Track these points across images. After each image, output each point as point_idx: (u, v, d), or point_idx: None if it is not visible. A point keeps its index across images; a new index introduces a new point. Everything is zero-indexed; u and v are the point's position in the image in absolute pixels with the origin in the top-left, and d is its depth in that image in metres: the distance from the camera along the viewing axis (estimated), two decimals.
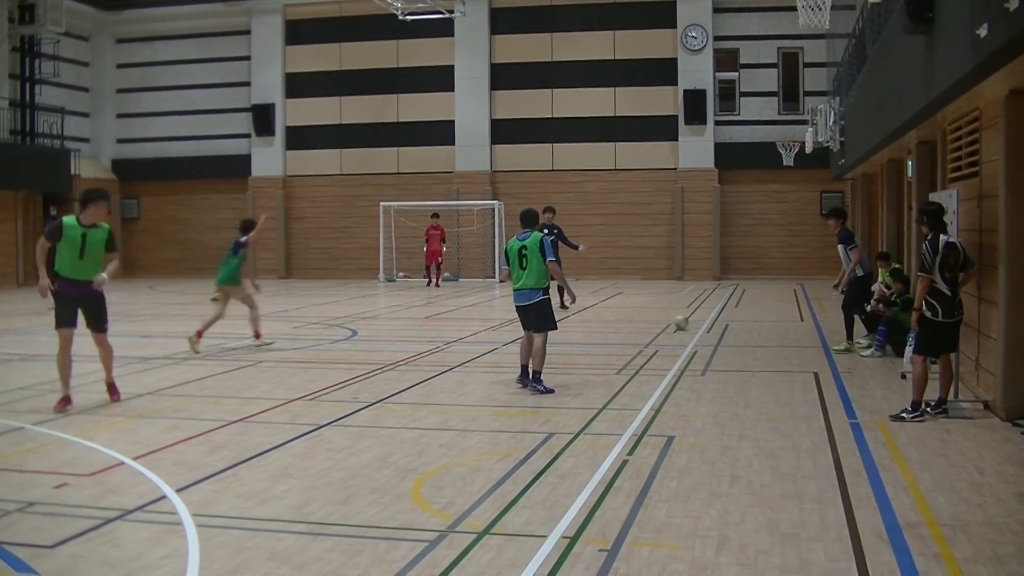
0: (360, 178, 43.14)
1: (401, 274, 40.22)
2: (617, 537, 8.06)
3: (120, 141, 46.98)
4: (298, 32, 44.22)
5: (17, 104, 41.86)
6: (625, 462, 10.44)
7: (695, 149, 40.27)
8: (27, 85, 42.33)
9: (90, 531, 8.35)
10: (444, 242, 38.06)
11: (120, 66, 47.09)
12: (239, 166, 44.63)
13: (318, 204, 43.56)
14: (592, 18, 41.15)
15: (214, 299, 21.40)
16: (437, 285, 36.94)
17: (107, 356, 14.43)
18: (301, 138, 44.18)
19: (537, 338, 15.12)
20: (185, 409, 13.76)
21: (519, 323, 15.69)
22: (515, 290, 15.27)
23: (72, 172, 42.24)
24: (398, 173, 42.71)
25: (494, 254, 39.19)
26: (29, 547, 7.95)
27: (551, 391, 14.72)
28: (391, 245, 40.61)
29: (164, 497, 9.31)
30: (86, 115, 46.33)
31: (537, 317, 15.14)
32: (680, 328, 22.52)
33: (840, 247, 19.51)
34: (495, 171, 41.82)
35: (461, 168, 41.94)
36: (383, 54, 42.97)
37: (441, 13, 38.79)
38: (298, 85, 44.17)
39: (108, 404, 14.10)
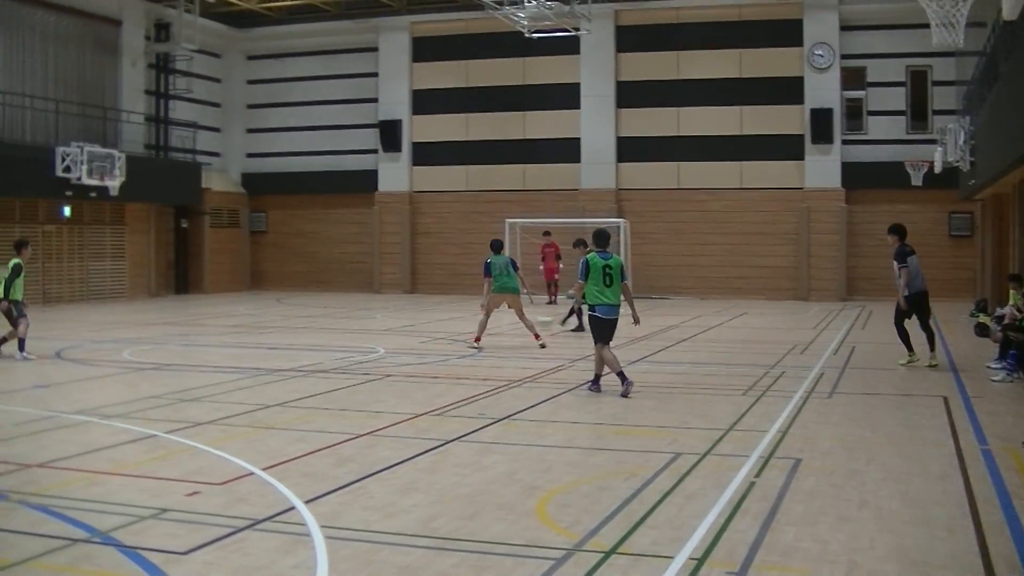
0: (485, 194, 43.28)
1: (525, 291, 40.13)
2: (744, 560, 7.96)
3: (249, 155, 47.72)
4: (425, 49, 44.56)
5: (152, 119, 42.74)
6: (752, 484, 10.34)
7: (821, 169, 39.83)
8: (162, 101, 43.22)
9: (221, 539, 8.46)
10: (559, 259, 37.89)
11: (250, 82, 47.86)
12: (366, 181, 45.02)
13: (443, 220, 43.77)
14: (717, 36, 40.89)
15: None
16: (554, 302, 36.75)
17: None
18: (427, 154, 44.46)
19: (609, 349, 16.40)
20: (312, 421, 13.90)
21: (608, 339, 16.42)
22: (606, 304, 16.25)
23: (203, 186, 43.01)
24: (523, 190, 42.77)
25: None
26: (162, 552, 8.08)
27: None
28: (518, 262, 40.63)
29: (293, 508, 9.40)
30: (217, 130, 47.12)
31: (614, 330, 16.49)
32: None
33: (894, 263, 19.82)
34: (620, 189, 41.72)
35: (586, 186, 41.92)
36: (509, 71, 43.13)
37: (567, 31, 38.79)
38: (424, 102, 44.49)
39: (234, 416, 14.24)
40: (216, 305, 36.97)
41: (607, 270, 16.18)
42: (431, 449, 11.97)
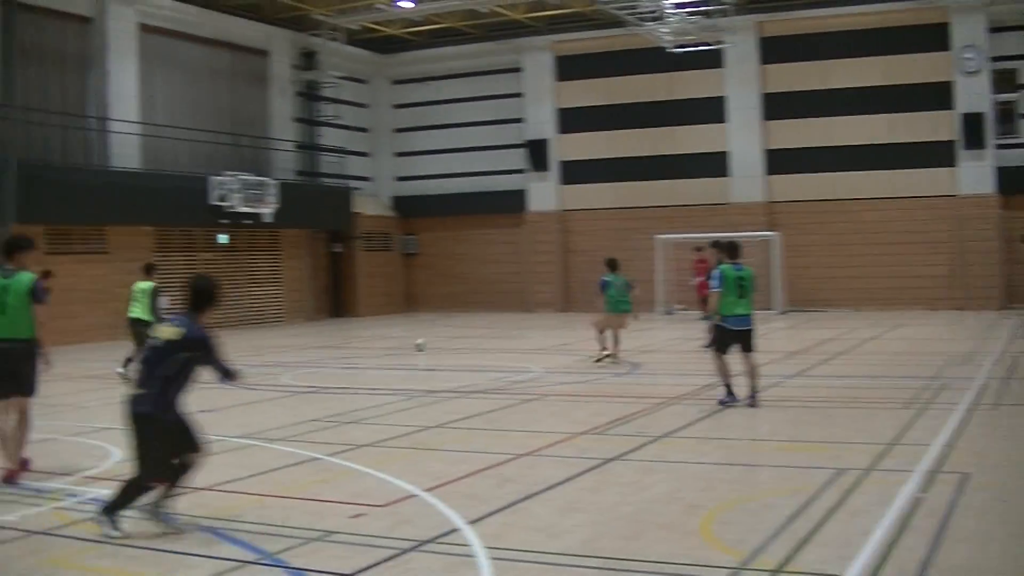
0: (634, 211, 43.14)
1: (679, 306, 40.04)
2: None
3: (399, 179, 48.24)
4: (568, 67, 44.61)
5: (303, 146, 43.51)
6: (919, 500, 10.15)
7: (975, 174, 38.91)
8: (311, 128, 43.96)
9: (386, 561, 8.55)
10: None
11: (396, 106, 48.42)
12: (515, 201, 45.21)
13: (593, 237, 43.64)
14: (863, 44, 40.22)
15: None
16: (707, 318, 36.43)
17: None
18: (575, 172, 44.48)
19: (753, 359, 16.68)
20: (472, 442, 14.01)
21: (727, 351, 16.78)
22: (738, 315, 16.52)
23: (354, 210, 43.61)
24: (672, 206, 42.55)
25: (769, 287, 38.75)
26: (329, 574, 8.22)
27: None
28: (668, 278, 40.47)
29: (456, 529, 9.46)
30: (366, 154, 47.73)
31: (752, 339, 16.68)
32: (420, 350, 22.97)
33: None
34: (771, 201, 41.31)
35: (736, 199, 41.58)
36: (653, 87, 42.96)
37: (710, 45, 38.62)
38: (570, 120, 44.54)
39: (394, 437, 14.37)
40: (371, 328, 37.43)
41: (740, 281, 16.52)
42: (592, 468, 11.96)
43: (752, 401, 16.41)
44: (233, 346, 29.44)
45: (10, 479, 12.04)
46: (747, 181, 41.48)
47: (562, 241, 44.37)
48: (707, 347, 17.64)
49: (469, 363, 23.87)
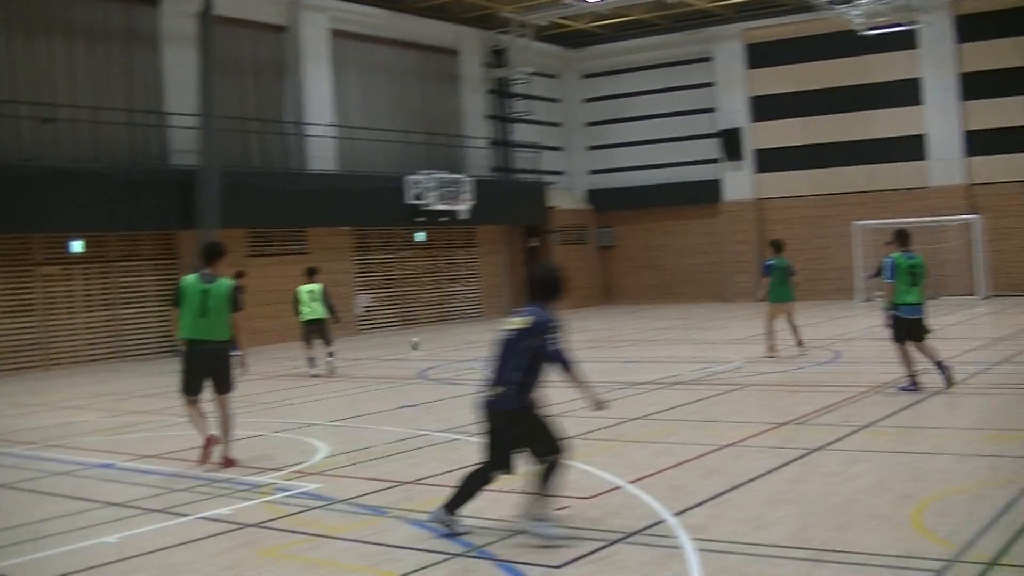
0: (831, 198, 42.48)
1: (879, 294, 39.12)
2: None
3: (592, 172, 48.31)
4: (760, 55, 44.09)
5: (495, 143, 43.88)
6: None
7: None
8: (503, 124, 44.30)
9: (594, 552, 8.58)
10: None
11: (587, 100, 48.49)
12: (709, 191, 44.91)
13: (790, 225, 43.06)
14: None
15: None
16: None
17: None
18: (769, 160, 43.98)
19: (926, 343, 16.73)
20: (676, 433, 13.96)
21: (907, 339, 16.64)
22: (911, 304, 16.54)
23: (549, 204, 43.78)
24: (869, 191, 41.75)
25: (971, 271, 37.79)
26: (537, 566, 8.28)
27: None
28: (866, 265, 39.71)
29: (662, 521, 9.45)
30: (559, 149, 47.91)
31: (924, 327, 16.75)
32: (414, 348, 23.69)
33: None
34: (972, 184, 40.21)
35: (935, 183, 40.58)
36: (846, 71, 42.15)
37: (903, 25, 37.78)
38: (763, 108, 44.03)
39: (598, 429, 14.40)
40: (569, 321, 37.46)
41: (913, 269, 16.51)
42: (797, 459, 11.83)
43: (943, 374, 16.49)
44: (432, 342, 29.97)
45: (214, 442, 13.20)
46: (946, 164, 40.41)
47: (758, 230, 43.86)
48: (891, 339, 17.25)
49: (668, 354, 23.79)
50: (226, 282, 13.31)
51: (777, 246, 23.26)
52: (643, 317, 37.56)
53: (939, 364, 16.50)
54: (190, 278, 13.37)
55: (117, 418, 14.41)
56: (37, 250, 28.52)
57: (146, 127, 31.87)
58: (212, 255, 13.54)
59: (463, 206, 37.75)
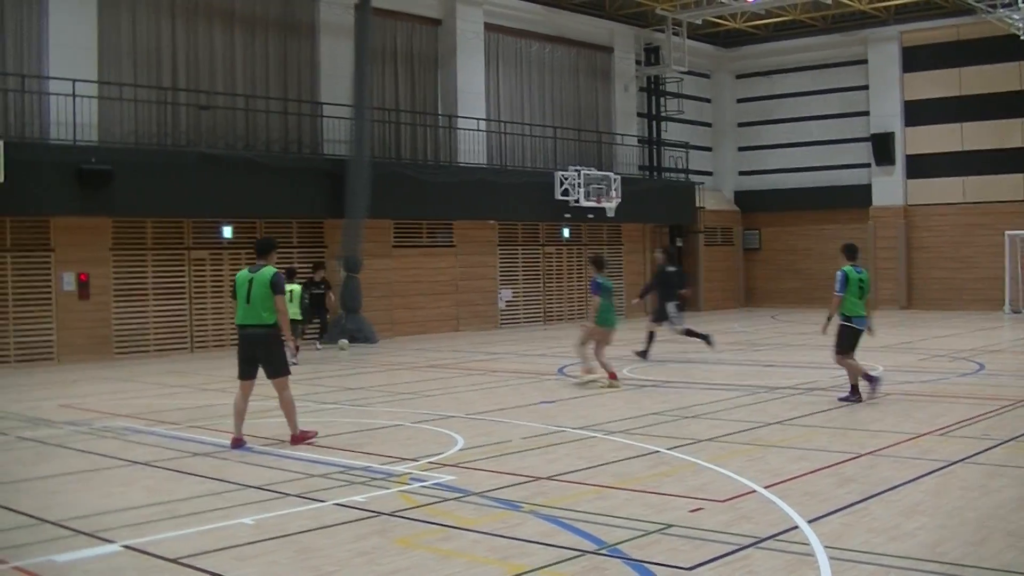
0: (982, 206, 41.63)
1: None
2: None
3: (741, 173, 48.05)
4: (915, 58, 43.32)
5: (645, 141, 43.83)
6: None
7: None
8: (654, 123, 44.24)
9: (725, 556, 8.57)
10: None
11: (739, 100, 48.24)
12: (858, 196, 44.30)
13: (939, 233, 42.44)
14: None
15: None
16: None
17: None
18: (921, 166, 43.23)
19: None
20: (812, 440, 13.87)
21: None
22: (860, 316, 17.27)
23: (696, 204, 43.59)
24: (1023, 200, 40.83)
25: None
26: (669, 567, 8.28)
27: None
28: (1017, 275, 38.94)
29: (796, 527, 9.39)
30: (708, 149, 47.74)
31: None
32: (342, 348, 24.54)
33: None
34: None
35: None
36: (1004, 76, 41.14)
37: None
38: (917, 112, 43.26)
39: (734, 433, 14.38)
40: (712, 323, 37.28)
41: (861, 283, 17.28)
42: (935, 470, 11.66)
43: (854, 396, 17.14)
44: (574, 338, 30.06)
45: (237, 445, 13.88)
46: None
47: (906, 236, 43.20)
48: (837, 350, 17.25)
49: (809, 359, 23.55)
50: (269, 269, 13.95)
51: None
52: (785, 321, 37.24)
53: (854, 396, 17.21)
54: (243, 271, 14.18)
55: (257, 402, 14.68)
56: (188, 234, 29.16)
57: (300, 116, 32.42)
58: (262, 249, 14.51)
59: (611, 203, 37.79)
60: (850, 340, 17.26)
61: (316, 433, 14.21)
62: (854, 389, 17.14)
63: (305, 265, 29.53)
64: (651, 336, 24.50)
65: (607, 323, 20.32)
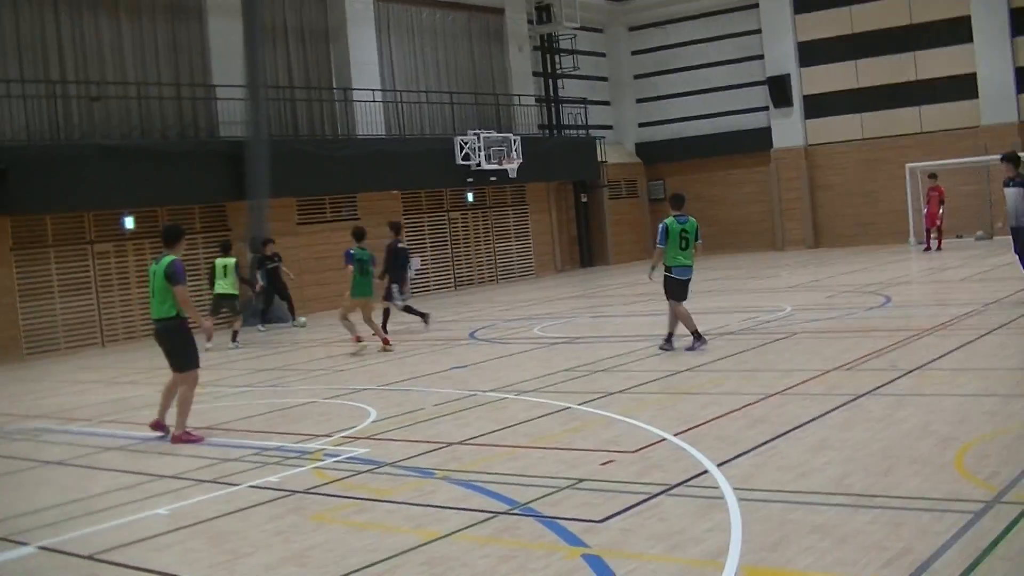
0: (881, 141, 42.05)
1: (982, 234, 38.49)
2: None
3: (642, 125, 48.18)
4: (806, 0, 43.63)
5: (543, 100, 43.80)
6: None
7: None
8: (550, 81, 44.21)
9: (636, 506, 8.64)
10: (943, 204, 35.97)
11: (635, 53, 48.35)
12: (759, 140, 44.61)
13: (841, 171, 42.84)
14: None
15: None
16: (939, 248, 35.12)
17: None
18: (819, 106, 43.59)
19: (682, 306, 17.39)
20: (723, 384, 14.00)
21: (683, 298, 17.51)
22: (682, 266, 17.28)
23: (599, 159, 43.66)
24: (920, 133, 41.30)
25: None
26: (580, 521, 8.33)
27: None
28: (920, 207, 39.37)
29: (705, 472, 9.49)
30: (607, 104, 47.80)
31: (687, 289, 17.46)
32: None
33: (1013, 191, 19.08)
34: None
35: (987, 122, 40.05)
36: (894, 12, 41.46)
37: None
38: (811, 53, 43.55)
39: (645, 383, 14.47)
40: (621, 276, 37.51)
41: (683, 234, 17.23)
42: (842, 405, 11.82)
43: (667, 345, 17.52)
44: (484, 302, 30.10)
45: (156, 428, 13.84)
46: (997, 103, 39.83)
47: (809, 177, 43.59)
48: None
49: (719, 305, 23.73)
50: (166, 259, 13.43)
51: (358, 235, 21.88)
52: (696, 268, 37.36)
53: (670, 336, 17.57)
54: (152, 264, 13.75)
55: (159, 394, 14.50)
56: (90, 228, 28.76)
57: (194, 100, 32.06)
58: (166, 237, 13.93)
59: (512, 165, 37.78)
60: (675, 290, 17.37)
61: (202, 440, 13.38)
62: (696, 334, 17.27)
63: (212, 250, 29.20)
64: (387, 313, 23.82)
65: (359, 294, 21.12)
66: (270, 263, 27.97)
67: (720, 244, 44.09)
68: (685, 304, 17.53)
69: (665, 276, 17.41)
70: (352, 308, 21.50)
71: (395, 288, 23.50)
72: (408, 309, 24.31)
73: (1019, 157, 19.72)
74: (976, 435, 10.01)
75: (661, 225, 17.42)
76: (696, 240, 17.50)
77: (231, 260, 25.14)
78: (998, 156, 34.69)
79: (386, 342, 21.07)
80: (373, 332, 21.39)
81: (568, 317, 24.46)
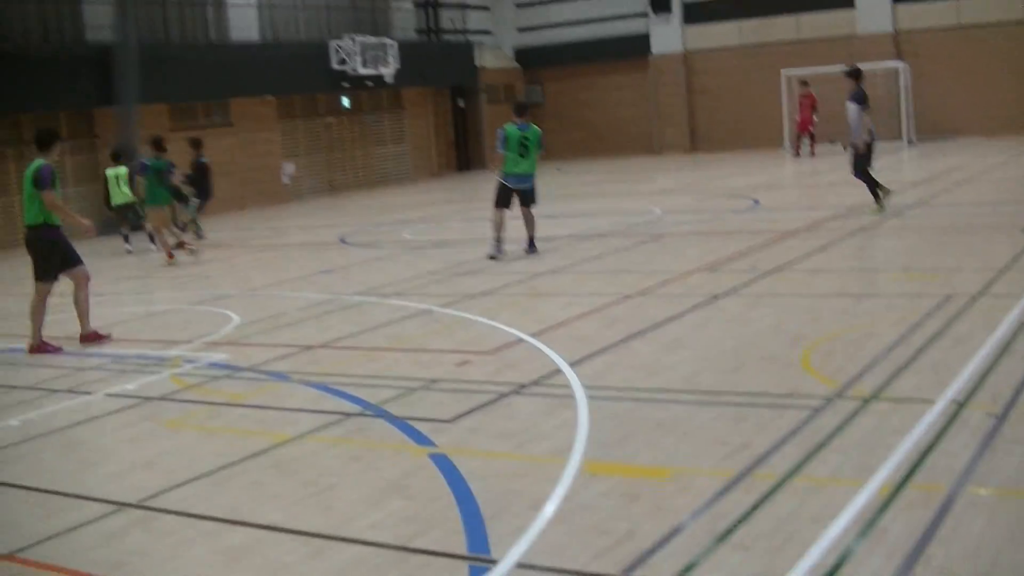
0: (759, 48, 42.21)
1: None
2: (1008, 402, 7.63)
3: (521, 30, 47.86)
4: None
5: (421, 4, 43.32)
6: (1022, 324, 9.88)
7: None
8: None
9: (486, 405, 8.71)
10: (816, 110, 36.37)
11: None
12: (638, 46, 44.51)
13: (719, 77, 42.96)
14: None
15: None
16: (812, 154, 35.48)
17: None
18: (698, 12, 43.58)
19: (532, 211, 17.56)
20: (585, 285, 14.11)
21: (508, 205, 17.52)
22: (516, 174, 17.38)
23: (477, 64, 43.41)
24: (798, 40, 41.52)
25: (899, 117, 37.74)
26: (430, 421, 8.38)
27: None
28: (794, 114, 39.69)
29: (558, 371, 9.56)
30: (486, 8, 47.37)
31: (532, 195, 17.60)
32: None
33: (853, 107, 18.93)
34: (898, 31, 40.04)
35: (863, 31, 40.35)
36: None
37: None
38: None
39: (508, 285, 14.54)
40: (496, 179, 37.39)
41: (524, 140, 17.31)
42: (700, 305, 11.96)
43: (530, 248, 17.48)
44: (358, 206, 29.92)
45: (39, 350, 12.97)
46: (873, 12, 40.10)
47: (687, 82, 43.71)
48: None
49: (592, 208, 23.82)
50: (35, 163, 12.91)
51: (157, 144, 21.93)
52: (571, 172, 37.40)
53: (531, 240, 17.58)
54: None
55: (27, 303, 14.06)
56: None
57: (58, 2, 31.15)
58: (39, 142, 13.26)
59: (388, 70, 37.41)
60: (500, 195, 17.45)
61: (60, 350, 12.93)
62: (498, 243, 17.39)
63: (79, 158, 28.51)
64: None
65: (153, 202, 21.40)
66: (199, 160, 26.34)
67: (597, 148, 44.22)
68: (534, 210, 17.68)
69: (498, 182, 17.56)
70: (159, 219, 21.57)
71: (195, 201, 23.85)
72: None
73: (860, 71, 19.82)
74: (825, 333, 10.20)
75: (500, 131, 17.42)
76: (539, 149, 17.64)
77: (122, 169, 24.26)
78: (874, 63, 35.29)
79: (170, 256, 21.06)
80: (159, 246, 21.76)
81: (439, 221, 24.41)
